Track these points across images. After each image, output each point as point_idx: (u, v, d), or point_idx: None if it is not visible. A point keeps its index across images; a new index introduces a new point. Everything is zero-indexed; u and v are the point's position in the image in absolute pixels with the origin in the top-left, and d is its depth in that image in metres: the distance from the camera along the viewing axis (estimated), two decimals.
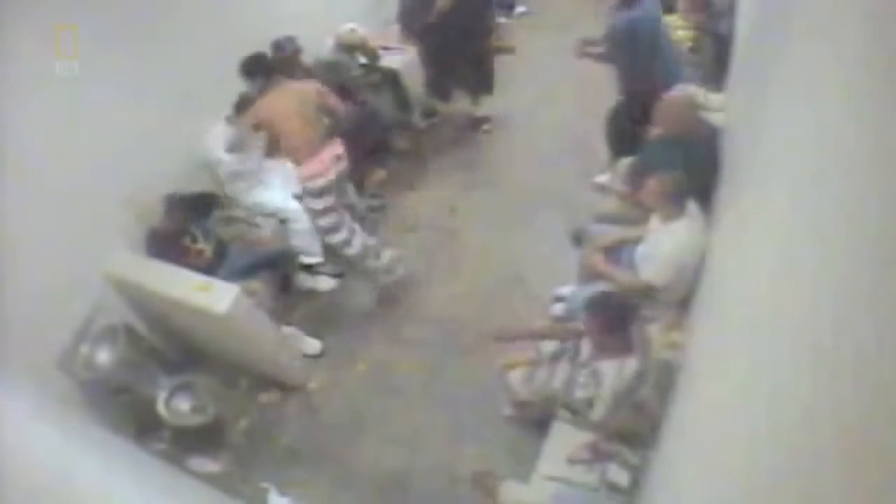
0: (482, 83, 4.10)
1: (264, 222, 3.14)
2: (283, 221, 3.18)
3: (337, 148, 2.90)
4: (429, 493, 2.43)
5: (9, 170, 2.09)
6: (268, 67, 2.88)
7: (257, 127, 2.79)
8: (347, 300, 3.23)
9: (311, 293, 3.25)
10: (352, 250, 2.97)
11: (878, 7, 0.82)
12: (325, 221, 2.93)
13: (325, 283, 3.23)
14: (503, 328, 2.65)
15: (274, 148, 2.92)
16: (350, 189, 3.27)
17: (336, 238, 2.95)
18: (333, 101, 2.94)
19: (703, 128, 2.54)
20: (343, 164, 2.93)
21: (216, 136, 3.05)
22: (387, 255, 3.11)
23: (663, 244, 2.21)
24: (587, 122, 4.05)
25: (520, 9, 5.54)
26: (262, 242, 3.02)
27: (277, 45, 3.28)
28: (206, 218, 2.91)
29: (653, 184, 2.26)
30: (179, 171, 2.93)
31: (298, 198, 3.08)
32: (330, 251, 3.17)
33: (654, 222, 2.33)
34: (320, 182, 2.81)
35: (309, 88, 2.87)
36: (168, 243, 2.65)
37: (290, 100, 2.75)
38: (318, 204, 2.86)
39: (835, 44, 1.04)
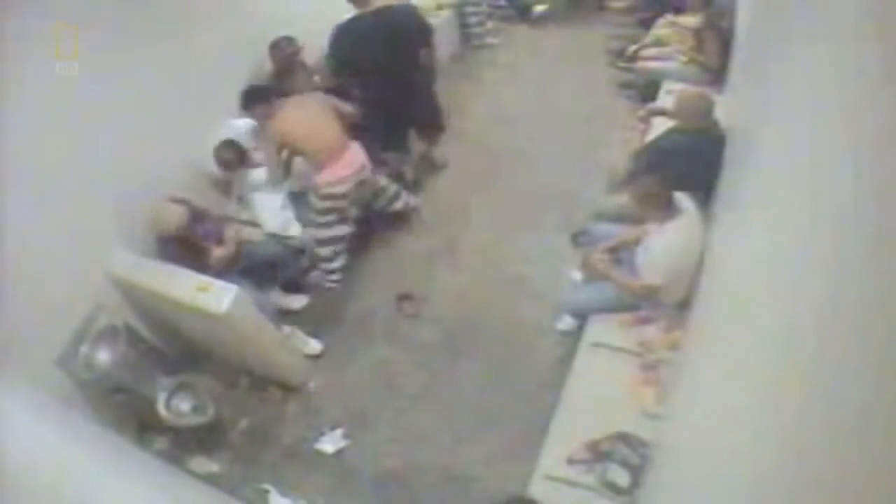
0: (435, 121, 3.78)
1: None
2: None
3: (359, 155, 2.94)
4: (429, 493, 2.43)
5: (9, 170, 2.09)
6: (266, 93, 2.96)
7: (282, 147, 2.87)
8: (347, 300, 3.23)
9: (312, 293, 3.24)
10: (322, 253, 3.07)
11: (876, 7, 0.82)
12: (321, 233, 3.00)
13: (296, 301, 3.20)
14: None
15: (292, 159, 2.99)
16: (380, 191, 3.23)
17: (322, 252, 3.06)
18: (339, 104, 2.99)
19: (716, 127, 2.59)
20: (366, 173, 2.98)
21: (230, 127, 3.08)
22: (340, 260, 3.17)
23: (658, 245, 2.22)
24: (588, 122, 4.08)
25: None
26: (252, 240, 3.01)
27: (276, 46, 3.28)
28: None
29: (636, 188, 2.28)
30: (180, 172, 2.93)
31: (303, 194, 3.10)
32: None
33: (651, 223, 2.33)
34: (339, 188, 2.87)
35: (317, 97, 2.95)
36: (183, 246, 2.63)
37: (306, 111, 2.82)
38: (324, 205, 2.92)
39: (833, 43, 1.04)
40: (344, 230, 3.06)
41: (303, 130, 2.80)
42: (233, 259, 2.75)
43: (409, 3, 3.45)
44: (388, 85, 3.26)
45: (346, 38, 3.14)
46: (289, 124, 2.80)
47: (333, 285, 3.20)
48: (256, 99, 2.95)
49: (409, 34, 3.20)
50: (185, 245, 2.62)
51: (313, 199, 2.96)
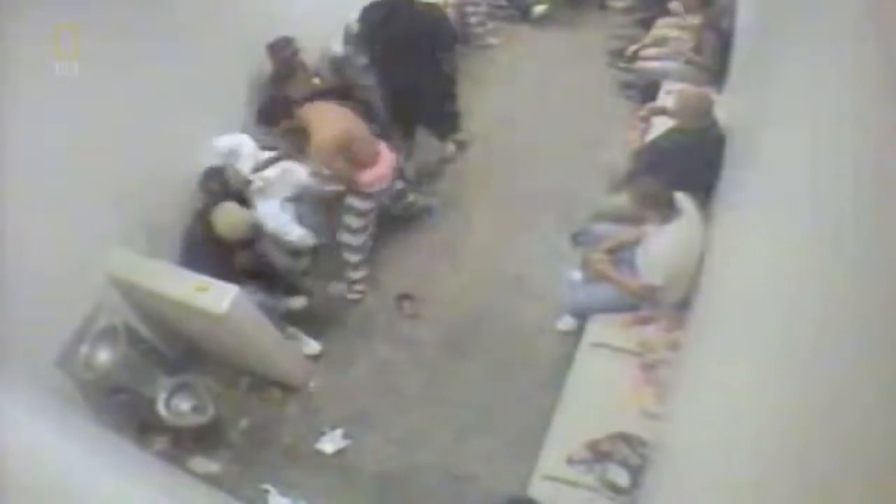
0: (447, 123, 3.82)
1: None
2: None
3: (388, 151, 2.96)
4: (429, 492, 2.43)
5: (9, 169, 2.09)
6: (289, 105, 2.81)
7: (336, 155, 2.70)
8: (347, 302, 3.23)
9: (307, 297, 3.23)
10: (353, 258, 3.08)
11: (876, 7, 0.82)
12: (356, 240, 3.01)
13: (296, 302, 3.13)
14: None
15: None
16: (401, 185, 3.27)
17: (352, 258, 3.09)
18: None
19: (716, 127, 2.59)
20: (396, 174, 3.03)
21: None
22: (364, 269, 3.19)
23: (658, 245, 2.22)
24: (588, 122, 4.08)
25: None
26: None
27: (274, 47, 3.27)
28: None
29: (636, 188, 2.28)
30: (180, 172, 2.93)
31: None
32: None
33: (651, 223, 2.33)
34: (378, 187, 2.90)
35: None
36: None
37: (339, 112, 2.79)
38: (363, 206, 2.93)
39: (833, 43, 1.04)
40: (369, 234, 3.09)
41: (354, 128, 2.73)
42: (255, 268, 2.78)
43: (436, 5, 3.52)
44: (397, 75, 3.31)
45: (367, 17, 3.24)
46: (339, 128, 2.66)
47: (358, 296, 3.20)
48: (280, 113, 2.78)
49: (428, 30, 3.25)
50: (224, 251, 2.63)
51: (356, 203, 2.91)
